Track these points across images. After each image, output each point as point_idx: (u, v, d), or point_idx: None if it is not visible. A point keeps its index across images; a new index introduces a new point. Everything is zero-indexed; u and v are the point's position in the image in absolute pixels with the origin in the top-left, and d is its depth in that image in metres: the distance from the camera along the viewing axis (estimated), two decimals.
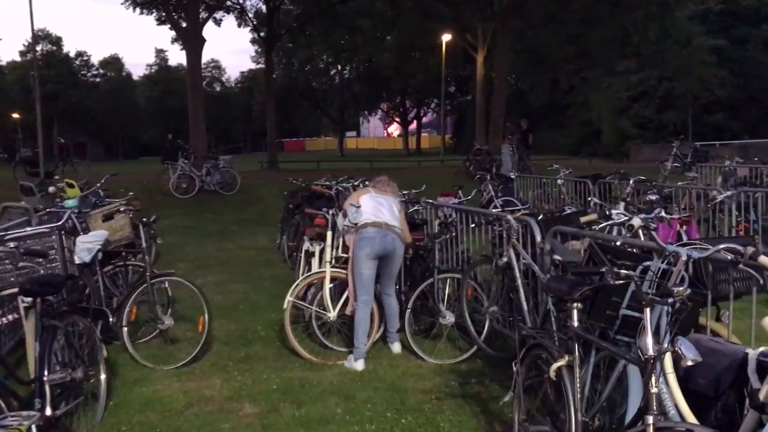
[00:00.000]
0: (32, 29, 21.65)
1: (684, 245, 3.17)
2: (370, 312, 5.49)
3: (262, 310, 7.32)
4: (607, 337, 3.18)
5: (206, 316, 5.47)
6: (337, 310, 5.65)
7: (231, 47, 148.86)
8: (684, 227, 8.21)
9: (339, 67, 58.81)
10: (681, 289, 2.51)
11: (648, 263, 3.01)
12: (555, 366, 3.04)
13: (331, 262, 5.73)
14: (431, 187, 9.80)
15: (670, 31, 24.06)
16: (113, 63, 79.79)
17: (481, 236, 6.09)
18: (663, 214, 8.14)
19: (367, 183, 10.87)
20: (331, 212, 5.97)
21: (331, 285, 5.76)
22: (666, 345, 2.55)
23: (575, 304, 3.02)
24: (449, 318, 5.51)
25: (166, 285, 5.84)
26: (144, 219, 6.01)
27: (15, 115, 52.75)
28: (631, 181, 9.01)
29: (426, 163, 31.51)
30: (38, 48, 68.05)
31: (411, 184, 9.63)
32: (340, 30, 32.59)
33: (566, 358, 3.04)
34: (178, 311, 6.59)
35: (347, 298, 5.67)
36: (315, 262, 6.26)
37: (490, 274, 5.42)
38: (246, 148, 75.70)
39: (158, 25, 24.99)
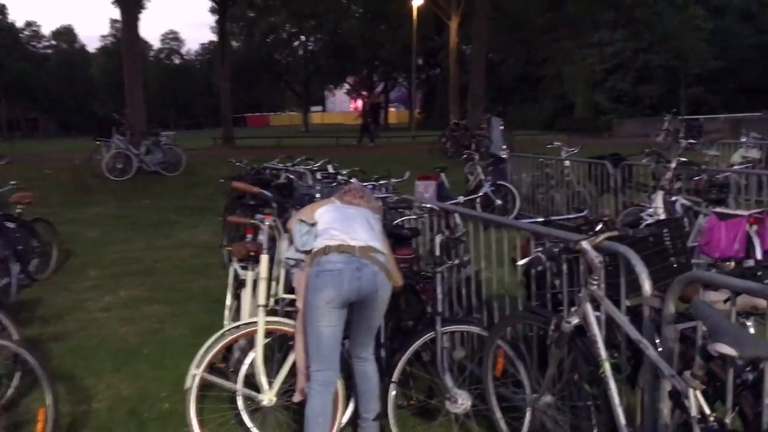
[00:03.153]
0: None
1: None
2: (332, 397, 3.32)
3: (176, 354, 5.10)
4: None
5: (50, 406, 3.22)
6: (276, 387, 3.46)
7: (191, 20, 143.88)
8: (755, 226, 6.20)
9: (303, 38, 56.00)
10: None
11: None
12: None
13: (266, 306, 3.52)
14: (406, 167, 7.64)
15: None
16: (65, 34, 76.10)
17: (500, 247, 3.89)
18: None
19: (329, 166, 8.69)
20: (267, 221, 3.74)
21: (269, 339, 3.57)
22: None
23: None
24: (463, 402, 3.35)
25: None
26: None
27: None
28: (672, 165, 6.96)
29: (396, 140, 29.22)
30: None
31: (382, 165, 7.49)
32: None
33: None
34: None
35: (294, 366, 3.48)
36: (246, 297, 4.04)
37: (526, 328, 3.29)
38: (207, 123, 72.89)
39: None
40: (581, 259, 2.75)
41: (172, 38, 79.26)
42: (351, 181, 5.96)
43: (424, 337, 3.49)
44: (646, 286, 2.52)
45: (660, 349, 2.41)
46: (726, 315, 2.23)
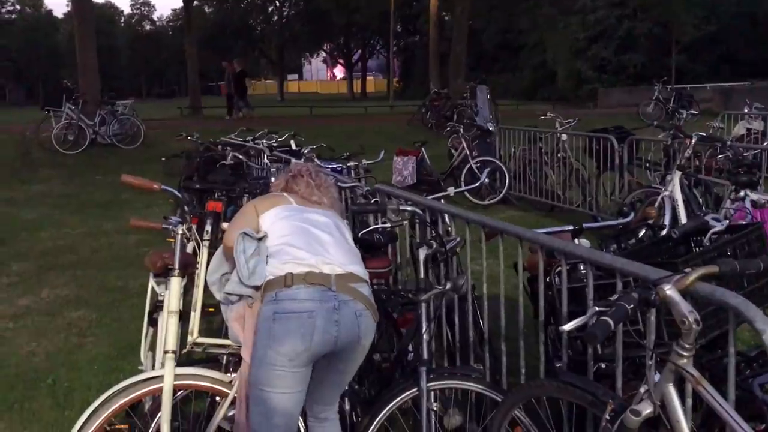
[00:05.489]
0: None
1: None
2: None
3: (90, 385, 4.05)
4: None
5: None
6: None
7: None
8: None
9: (277, 4, 54.17)
10: None
11: None
12: None
13: (176, 353, 2.45)
14: (383, 140, 6.59)
15: None
16: None
17: (504, 256, 2.85)
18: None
19: (291, 141, 7.53)
20: (182, 227, 2.64)
21: (182, 393, 2.52)
22: None
23: None
24: None
25: None
26: None
27: None
28: (692, 141, 5.95)
29: (373, 109, 28.00)
30: None
31: (356, 139, 6.36)
32: None
33: None
34: None
35: None
36: (163, 325, 2.97)
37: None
38: (181, 92, 70.94)
39: None
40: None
41: (142, 3, 76.58)
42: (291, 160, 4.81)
43: (403, 395, 2.45)
44: None
45: None
46: None
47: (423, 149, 9.52)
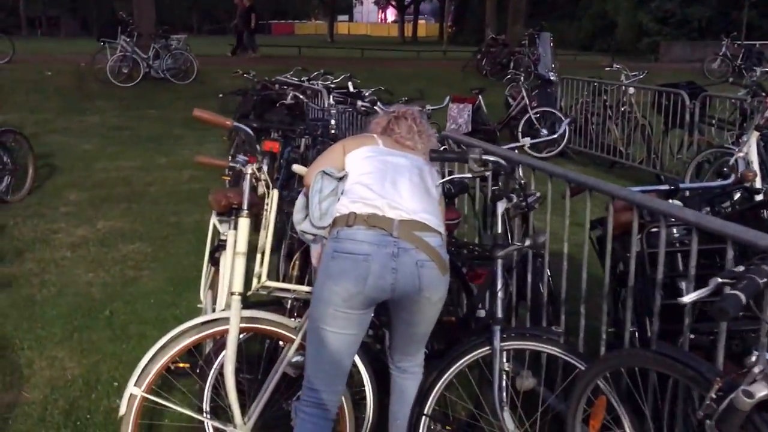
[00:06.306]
0: None
1: None
2: (330, 425, 2.27)
3: (146, 319, 4.06)
4: None
5: None
6: (255, 415, 2.37)
7: None
8: None
9: None
10: None
11: None
12: None
13: (241, 295, 2.37)
14: (437, 87, 6.37)
15: None
16: None
17: (576, 211, 2.74)
18: None
19: (349, 83, 7.34)
20: (252, 166, 2.53)
21: (246, 336, 2.47)
22: None
23: None
24: None
25: None
26: None
27: None
28: None
29: (426, 54, 27.44)
30: None
31: (411, 83, 6.15)
32: None
33: None
34: None
35: (286, 379, 2.39)
36: (226, 265, 2.90)
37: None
38: (231, 29, 70.55)
39: None
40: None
41: None
42: (377, 107, 4.66)
43: (475, 352, 2.35)
44: None
45: None
46: None
47: (480, 97, 9.25)
